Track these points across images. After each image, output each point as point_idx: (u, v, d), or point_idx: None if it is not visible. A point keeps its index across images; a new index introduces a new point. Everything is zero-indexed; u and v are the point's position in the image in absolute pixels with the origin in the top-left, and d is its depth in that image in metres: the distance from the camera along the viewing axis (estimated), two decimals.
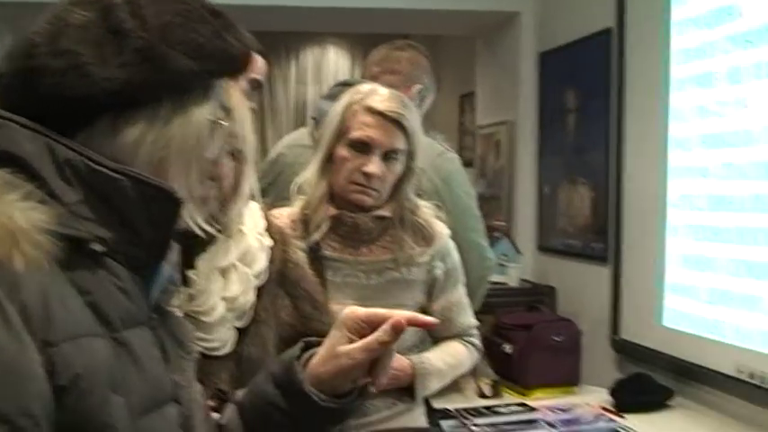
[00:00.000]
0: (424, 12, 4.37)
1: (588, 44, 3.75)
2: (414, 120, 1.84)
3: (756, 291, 2.62)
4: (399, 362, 1.79)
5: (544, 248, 4.17)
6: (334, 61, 7.54)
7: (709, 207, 2.86)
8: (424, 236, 1.86)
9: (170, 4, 0.93)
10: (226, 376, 1.37)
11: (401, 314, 1.08)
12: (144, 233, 0.90)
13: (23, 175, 0.84)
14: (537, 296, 3.79)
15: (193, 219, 0.97)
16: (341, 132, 1.81)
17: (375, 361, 1.08)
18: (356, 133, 1.78)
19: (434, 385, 1.87)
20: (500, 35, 4.64)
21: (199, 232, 1.00)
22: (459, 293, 1.95)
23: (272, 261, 1.46)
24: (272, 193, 2.31)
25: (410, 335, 1.85)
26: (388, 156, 1.78)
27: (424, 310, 1.89)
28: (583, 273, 3.76)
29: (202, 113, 0.94)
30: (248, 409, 1.14)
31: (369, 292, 1.77)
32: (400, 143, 1.79)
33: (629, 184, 3.39)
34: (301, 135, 2.48)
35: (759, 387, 2.62)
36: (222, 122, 0.98)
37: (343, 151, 1.79)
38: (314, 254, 1.74)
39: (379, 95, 1.82)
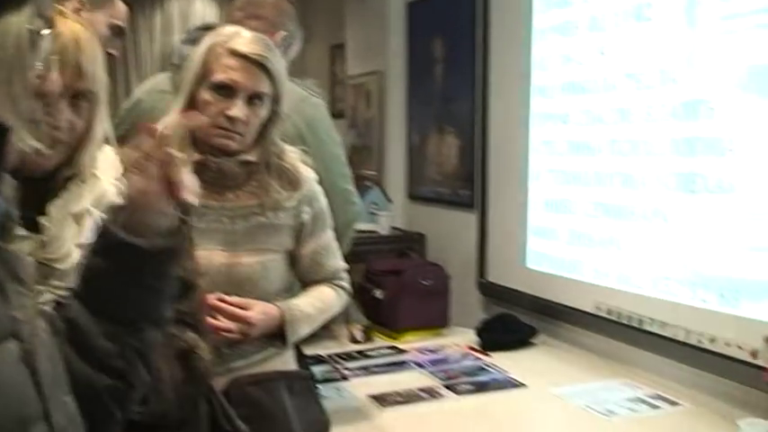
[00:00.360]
0: None
1: None
2: (278, 63, 1.81)
3: (613, 231, 2.75)
4: (267, 308, 1.79)
5: (414, 197, 4.24)
6: (201, 10, 7.31)
7: (569, 152, 2.97)
8: (291, 180, 1.85)
9: None
10: None
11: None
12: None
13: None
14: (407, 243, 3.86)
15: (24, 141, 0.92)
16: (203, 75, 1.76)
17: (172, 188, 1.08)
18: (219, 76, 1.74)
19: (304, 330, 1.87)
20: None
21: (30, 152, 0.95)
22: (328, 237, 1.95)
23: None
24: (131, 139, 2.24)
25: (278, 280, 1.85)
26: (252, 99, 1.75)
27: (292, 255, 1.89)
28: (451, 219, 3.85)
29: (20, 21, 0.88)
30: (80, 282, 1.12)
31: (235, 238, 1.76)
32: (265, 87, 1.77)
33: (494, 132, 3.48)
34: (161, 80, 2.41)
35: (615, 322, 2.76)
36: (42, 32, 0.92)
37: (205, 95, 1.75)
38: None
39: (243, 38, 1.78)
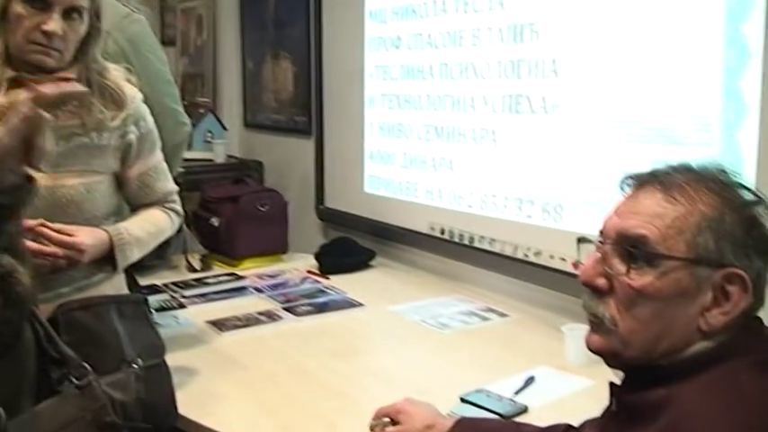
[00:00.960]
0: None
1: None
2: None
3: (444, 153, 2.82)
4: (95, 233, 1.72)
5: (250, 124, 4.18)
6: None
7: (402, 76, 3.00)
8: (114, 99, 1.76)
9: None
10: None
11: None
12: None
13: None
14: (244, 171, 3.81)
15: None
16: None
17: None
18: None
19: (135, 254, 1.81)
20: None
21: None
22: (157, 159, 1.89)
23: None
24: None
25: (104, 203, 1.78)
26: (68, 13, 1.65)
27: (119, 178, 1.83)
28: (289, 146, 3.83)
29: None
30: None
31: (58, 159, 1.67)
32: (82, 0, 1.67)
33: (328, 58, 3.45)
34: None
35: (449, 241, 2.85)
36: None
37: (18, 8, 1.64)
38: None
39: None
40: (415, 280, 2.94)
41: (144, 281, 2.87)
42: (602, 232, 1.12)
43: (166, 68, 2.37)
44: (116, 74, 1.80)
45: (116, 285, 1.82)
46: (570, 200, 2.34)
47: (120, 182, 1.84)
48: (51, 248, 1.62)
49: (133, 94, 1.82)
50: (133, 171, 1.83)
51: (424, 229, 2.97)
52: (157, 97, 2.12)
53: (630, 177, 1.13)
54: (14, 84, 1.65)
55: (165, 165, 1.93)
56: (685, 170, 1.09)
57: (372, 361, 2.20)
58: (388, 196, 3.15)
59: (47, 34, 1.64)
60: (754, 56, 1.86)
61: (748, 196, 1.07)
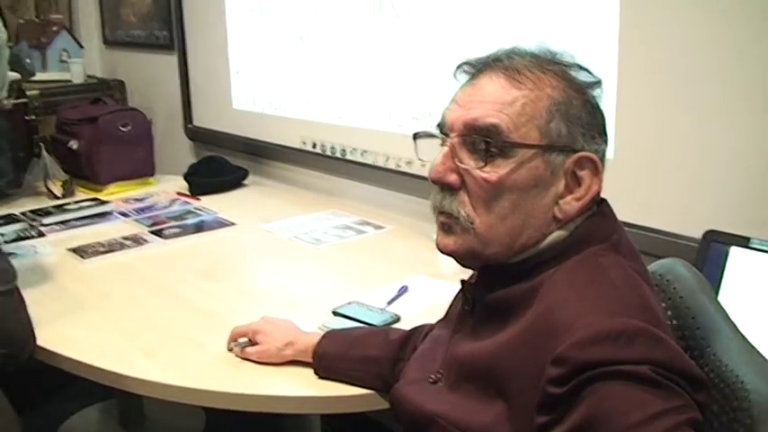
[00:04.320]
0: None
1: None
2: None
3: (312, 62, 2.72)
4: None
5: (110, 42, 3.94)
6: None
7: None
8: None
9: None
10: None
11: None
12: None
13: None
14: (105, 91, 3.61)
15: None
16: None
17: None
18: None
19: None
20: None
21: None
22: None
23: None
24: None
25: None
26: None
27: None
28: (152, 63, 3.64)
29: None
30: None
31: None
32: None
33: None
34: None
35: (321, 155, 2.79)
36: None
37: None
38: None
39: None
40: (290, 197, 2.87)
41: (1, 210, 2.71)
42: (442, 125, 1.07)
43: None
44: None
45: None
46: (439, 106, 2.29)
47: None
48: None
49: None
50: None
51: (296, 144, 2.89)
52: None
53: (467, 63, 1.08)
54: None
55: None
56: (525, 53, 1.04)
57: (243, 280, 2.13)
58: (257, 111, 3.04)
59: None
60: None
61: (588, 77, 1.03)
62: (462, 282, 1.15)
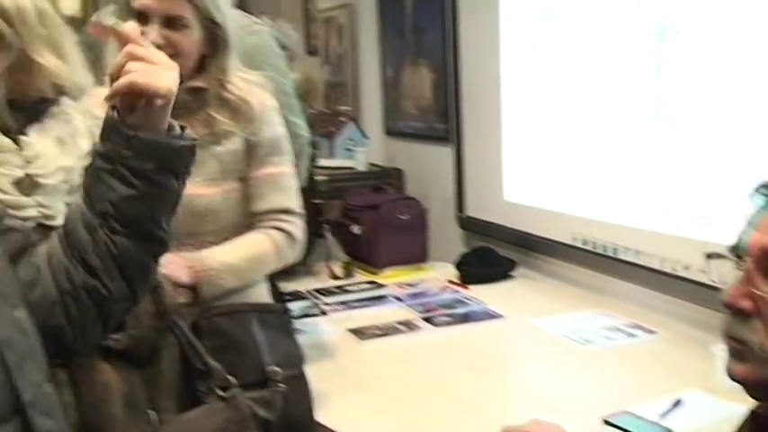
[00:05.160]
0: None
1: None
2: None
3: (587, 161, 2.74)
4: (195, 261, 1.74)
5: (390, 132, 4.20)
6: None
7: (541, 81, 2.93)
8: (241, 111, 1.80)
9: None
10: None
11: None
12: None
13: None
14: (385, 179, 3.84)
15: None
16: (128, 6, 1.72)
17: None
18: (135, 4, 1.71)
19: (230, 281, 1.79)
20: None
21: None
22: (281, 170, 1.87)
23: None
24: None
25: (238, 211, 1.81)
26: (172, 23, 1.70)
27: (245, 181, 1.85)
28: (428, 154, 3.82)
29: None
30: (83, 180, 1.15)
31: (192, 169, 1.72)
32: (182, 9, 1.69)
33: (465, 63, 3.43)
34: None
35: (592, 252, 2.77)
36: None
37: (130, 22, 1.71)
38: None
39: None
40: (558, 292, 2.87)
41: (287, 287, 2.95)
42: (738, 248, 1.04)
43: (286, 80, 2.38)
44: (243, 86, 1.83)
45: (258, 293, 1.86)
46: (719, 211, 2.22)
47: (246, 185, 1.85)
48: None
49: (262, 100, 1.85)
50: (254, 173, 1.83)
51: (567, 240, 2.89)
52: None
53: (766, 186, 1.05)
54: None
55: (290, 182, 1.91)
56: None
57: (511, 376, 2.16)
58: (529, 205, 3.09)
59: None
60: None
61: None
62: (752, 413, 1.11)
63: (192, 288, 1.73)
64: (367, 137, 4.06)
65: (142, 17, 1.69)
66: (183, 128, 1.14)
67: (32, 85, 1.32)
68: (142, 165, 1.08)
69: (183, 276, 1.70)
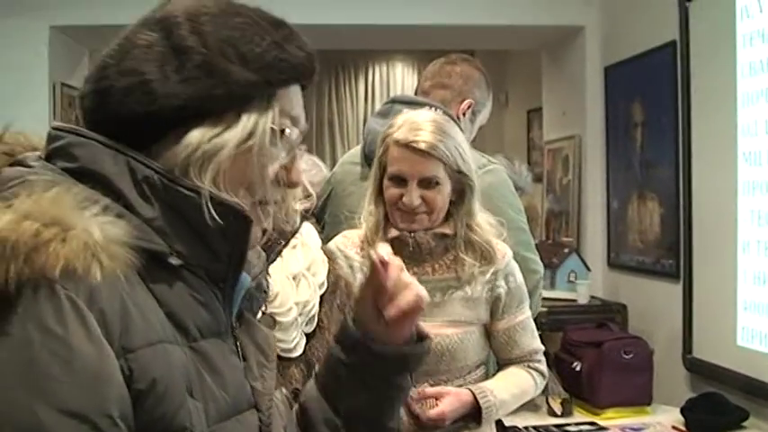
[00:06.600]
0: (488, 27, 4.39)
1: (653, 57, 3.71)
2: (448, 143, 1.82)
3: None
4: (461, 396, 1.82)
5: (614, 265, 4.13)
6: (402, 77, 7.60)
7: None
8: (484, 255, 1.88)
9: (230, 18, 0.95)
10: (299, 377, 1.51)
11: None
12: (219, 248, 0.94)
13: (101, 189, 0.88)
14: (607, 314, 3.75)
15: (263, 225, 1.00)
16: (383, 167, 1.87)
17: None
18: (391, 168, 1.84)
19: (498, 415, 1.89)
20: (565, 49, 4.63)
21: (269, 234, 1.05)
22: (525, 315, 1.96)
23: (329, 274, 1.64)
24: (328, 208, 2.39)
25: (475, 353, 1.89)
26: (427, 183, 1.81)
27: (487, 330, 1.93)
28: (654, 290, 3.71)
29: (266, 122, 0.95)
30: (321, 375, 1.19)
31: (434, 310, 1.80)
32: (434, 170, 1.80)
33: (698, 200, 3.34)
34: (354, 153, 2.52)
35: None
36: (287, 129, 0.98)
37: (386, 182, 1.86)
38: None
39: (408, 127, 1.83)
40: None
41: (505, 420, 2.93)
42: None
43: (521, 216, 2.43)
44: (488, 229, 1.90)
45: (483, 429, 1.89)
46: None
47: (488, 333, 1.93)
48: (419, 412, 1.74)
49: (504, 251, 1.92)
50: (500, 324, 1.92)
51: None
52: (511, 245, 2.19)
53: None
54: (396, 241, 1.83)
55: (532, 323, 1.98)
56: None
57: None
58: (764, 351, 2.90)
59: (407, 205, 1.81)
60: None
61: None
62: None
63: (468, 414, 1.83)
64: (589, 269, 4.01)
65: (399, 180, 1.83)
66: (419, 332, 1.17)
67: None
68: (385, 373, 1.13)
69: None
